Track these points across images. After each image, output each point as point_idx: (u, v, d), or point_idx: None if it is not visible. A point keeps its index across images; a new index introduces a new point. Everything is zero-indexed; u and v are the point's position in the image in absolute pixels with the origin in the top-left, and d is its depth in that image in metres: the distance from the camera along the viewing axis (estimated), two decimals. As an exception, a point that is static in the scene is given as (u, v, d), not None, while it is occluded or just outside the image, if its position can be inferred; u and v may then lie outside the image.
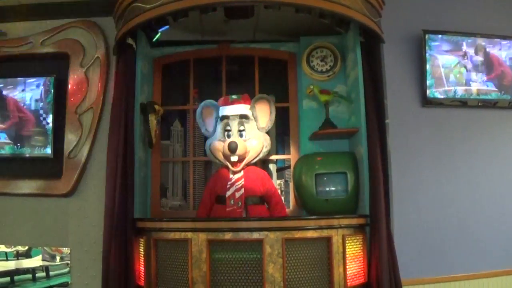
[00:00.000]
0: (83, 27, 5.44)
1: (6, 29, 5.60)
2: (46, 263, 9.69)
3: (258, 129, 4.95)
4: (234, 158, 4.80)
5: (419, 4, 5.33)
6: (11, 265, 9.69)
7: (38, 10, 5.59)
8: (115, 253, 4.45)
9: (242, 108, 4.94)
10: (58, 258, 8.10)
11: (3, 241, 5.80)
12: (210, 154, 4.97)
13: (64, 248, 5.39)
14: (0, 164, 5.47)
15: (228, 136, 4.89)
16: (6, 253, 10.77)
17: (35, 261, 10.30)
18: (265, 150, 4.93)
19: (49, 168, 5.34)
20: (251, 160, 4.87)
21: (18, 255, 11.17)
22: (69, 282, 5.40)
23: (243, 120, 4.91)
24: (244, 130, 4.91)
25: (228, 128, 4.92)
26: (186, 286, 4.03)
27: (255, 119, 4.96)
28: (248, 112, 4.94)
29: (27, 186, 5.31)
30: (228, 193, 4.78)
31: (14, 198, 5.33)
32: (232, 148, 4.75)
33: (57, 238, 5.35)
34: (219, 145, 4.87)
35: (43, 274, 9.91)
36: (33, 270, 9.62)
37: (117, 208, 4.52)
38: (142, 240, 4.51)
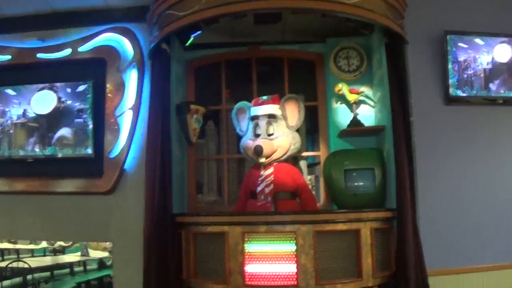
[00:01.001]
0: (118, 33, 5.76)
1: (43, 37, 5.96)
2: (84, 258, 10.18)
3: (287, 127, 5.19)
4: (262, 160, 5.09)
5: (441, 5, 5.50)
6: (48, 260, 10.16)
7: (73, 17, 5.94)
8: (156, 246, 4.80)
9: (270, 108, 5.19)
10: (95, 253, 8.42)
11: (49, 237, 6.17)
12: (243, 152, 5.27)
13: (107, 243, 5.73)
14: (45, 164, 5.80)
15: (258, 135, 5.16)
16: (44, 249, 11.28)
17: (74, 257, 10.78)
18: (292, 147, 5.15)
19: (90, 167, 5.67)
20: (279, 157, 5.11)
21: (55, 251, 11.68)
22: (112, 275, 5.70)
23: (271, 119, 5.15)
24: (273, 129, 5.15)
25: (258, 127, 5.19)
26: (223, 276, 4.35)
27: (284, 118, 5.19)
28: (277, 112, 5.17)
29: (71, 185, 5.64)
30: (259, 189, 5.05)
31: (58, 196, 5.67)
32: (258, 152, 5.04)
33: (100, 233, 5.64)
34: (250, 144, 5.17)
35: (81, 268, 10.41)
36: (71, 265, 10.12)
37: (157, 204, 4.86)
38: (181, 233, 4.84)
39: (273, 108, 5.20)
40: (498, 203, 5.31)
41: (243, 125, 5.36)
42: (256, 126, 5.21)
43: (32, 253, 12.40)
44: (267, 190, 5.02)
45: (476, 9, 5.53)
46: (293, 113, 5.20)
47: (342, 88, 5.28)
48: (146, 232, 4.93)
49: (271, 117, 5.16)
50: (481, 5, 5.54)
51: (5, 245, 11.71)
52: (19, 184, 5.77)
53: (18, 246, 11.97)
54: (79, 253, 11.10)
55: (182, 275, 4.82)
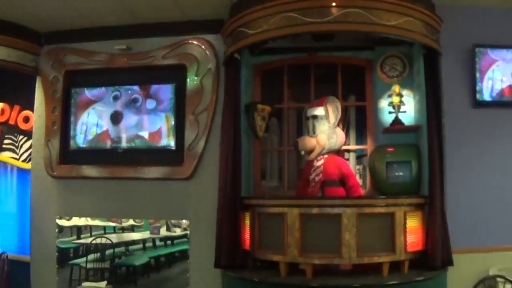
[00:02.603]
0: (196, 43, 6.83)
1: (131, 45, 7.13)
2: (154, 236, 11.35)
3: (328, 125, 6.21)
4: (302, 153, 6.29)
5: (471, 21, 6.37)
6: (120, 237, 11.32)
7: (158, 28, 7.08)
8: (226, 224, 6.02)
9: (314, 110, 6.27)
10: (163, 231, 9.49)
11: (137, 215, 7.42)
12: (304, 146, 6.41)
13: (183, 221, 6.98)
14: (133, 154, 7.04)
15: (308, 133, 6.31)
16: (114, 227, 12.39)
17: (142, 234, 11.93)
18: (331, 141, 6.17)
19: (172, 157, 6.84)
20: (320, 152, 6.18)
21: (123, 229, 12.79)
22: (188, 248, 6.89)
23: (314, 120, 6.25)
24: (315, 127, 6.23)
25: (307, 127, 6.36)
26: (282, 249, 5.49)
27: (326, 117, 6.23)
28: (319, 113, 6.23)
29: (156, 172, 6.85)
30: (311, 177, 6.20)
31: (145, 181, 6.91)
32: (294, 147, 6.35)
33: (179, 212, 6.91)
34: None
35: (151, 244, 11.57)
36: (143, 241, 11.27)
37: (228, 188, 6.07)
38: (248, 213, 6.01)
39: (316, 110, 6.28)
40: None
41: (308, 125, 6.46)
42: (307, 125, 6.37)
43: (104, 230, 13.51)
44: (317, 178, 6.13)
45: (502, 25, 6.39)
46: (331, 112, 6.24)
47: (399, 90, 6.33)
48: (219, 212, 6.14)
49: (314, 117, 6.26)
50: (507, 21, 6.41)
51: (79, 222, 12.91)
52: (111, 171, 7.05)
53: (90, 223, 13.14)
54: (147, 232, 12.19)
55: (248, 248, 6.00)
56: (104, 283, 4.88)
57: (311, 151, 6.22)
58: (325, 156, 6.24)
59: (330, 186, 6.13)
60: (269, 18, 5.71)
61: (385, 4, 5.55)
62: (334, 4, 5.50)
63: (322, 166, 6.20)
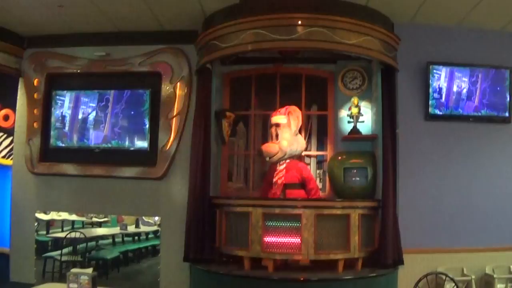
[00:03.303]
0: (171, 52, 7.14)
1: (110, 51, 7.39)
2: (124, 232, 11.52)
3: (289, 133, 6.55)
4: (267, 159, 6.59)
5: (426, 41, 6.77)
6: (90, 232, 11.43)
7: (135, 37, 7.36)
8: (196, 221, 6.35)
9: (277, 118, 6.62)
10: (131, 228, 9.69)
11: (111, 212, 7.69)
12: (269, 151, 6.71)
13: (155, 218, 7.27)
14: (109, 154, 7.31)
15: (272, 139, 6.64)
16: (82, 221, 12.45)
17: (111, 230, 12.06)
18: (292, 147, 6.57)
19: (146, 158, 7.12)
20: (282, 157, 6.55)
21: (92, 224, 12.87)
22: (159, 243, 7.17)
23: (277, 127, 6.58)
24: (278, 134, 6.57)
25: (271, 133, 6.70)
26: (246, 245, 5.90)
27: (287, 125, 6.57)
28: (282, 121, 6.58)
29: (130, 171, 7.13)
30: (274, 180, 6.53)
31: (120, 180, 7.18)
32: (259, 154, 6.68)
33: (151, 210, 7.19)
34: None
35: (120, 239, 11.73)
36: (113, 236, 11.43)
37: (198, 188, 6.40)
38: (215, 212, 6.38)
39: (278, 118, 6.63)
40: (466, 196, 6.65)
41: (273, 131, 6.76)
42: (271, 132, 6.71)
43: (72, 225, 13.59)
44: (279, 181, 6.47)
45: (455, 44, 6.81)
46: (293, 121, 6.58)
47: (358, 102, 6.74)
48: (188, 210, 6.46)
49: (277, 125, 6.61)
50: (459, 40, 6.83)
51: (56, 216, 12.97)
52: (88, 169, 7.31)
53: (64, 218, 13.21)
54: (117, 228, 12.33)
55: (215, 244, 6.34)
56: (90, 270, 5.16)
57: (273, 155, 6.54)
58: (287, 161, 6.59)
59: (291, 189, 6.49)
60: (240, 33, 6.07)
61: (346, 24, 5.96)
62: (299, 22, 5.89)
63: (284, 170, 6.55)
